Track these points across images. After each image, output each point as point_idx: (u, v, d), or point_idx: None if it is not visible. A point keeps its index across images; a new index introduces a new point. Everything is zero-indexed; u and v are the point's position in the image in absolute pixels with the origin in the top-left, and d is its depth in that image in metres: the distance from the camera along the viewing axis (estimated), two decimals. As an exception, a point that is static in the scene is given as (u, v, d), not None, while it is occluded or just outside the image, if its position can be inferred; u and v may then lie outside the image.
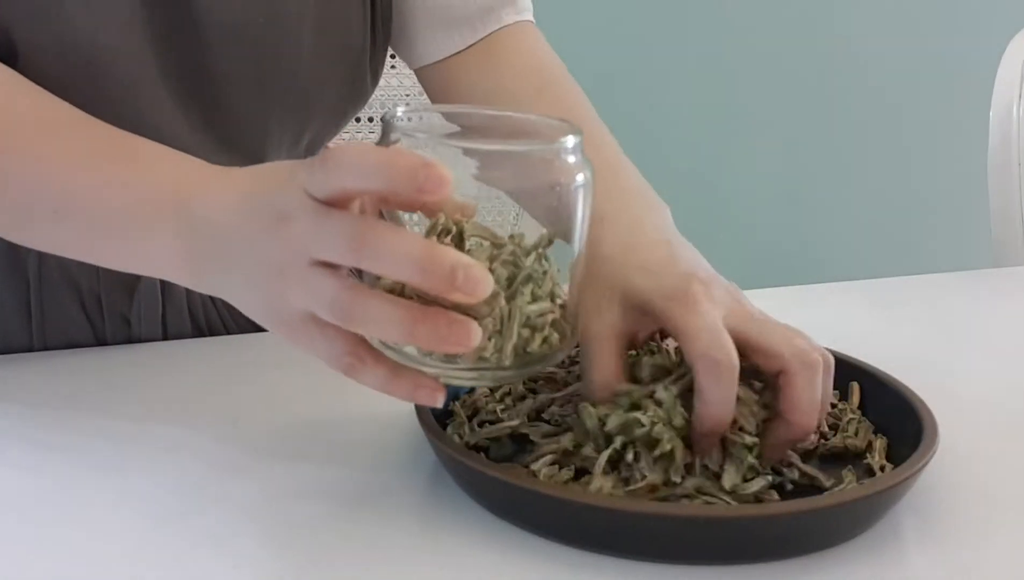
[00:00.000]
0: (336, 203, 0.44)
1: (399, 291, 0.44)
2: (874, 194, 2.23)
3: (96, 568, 0.45)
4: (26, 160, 0.55)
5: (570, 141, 0.46)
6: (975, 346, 0.77)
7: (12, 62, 0.60)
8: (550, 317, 0.46)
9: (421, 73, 0.76)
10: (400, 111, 0.48)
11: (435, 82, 0.75)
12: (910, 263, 2.15)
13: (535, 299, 0.46)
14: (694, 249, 0.57)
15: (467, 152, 0.44)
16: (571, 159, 0.47)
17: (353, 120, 0.98)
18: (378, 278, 0.45)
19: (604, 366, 0.53)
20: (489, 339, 0.44)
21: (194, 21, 0.65)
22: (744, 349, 0.50)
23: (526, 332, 0.45)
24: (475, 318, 0.43)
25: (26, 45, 0.61)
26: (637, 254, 0.54)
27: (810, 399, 0.50)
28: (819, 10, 2.10)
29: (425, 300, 0.43)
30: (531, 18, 0.75)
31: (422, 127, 0.48)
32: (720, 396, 0.48)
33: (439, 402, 0.46)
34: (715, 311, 0.50)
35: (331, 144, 0.45)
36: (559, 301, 0.47)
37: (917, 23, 2.15)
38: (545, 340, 0.46)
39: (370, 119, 1.12)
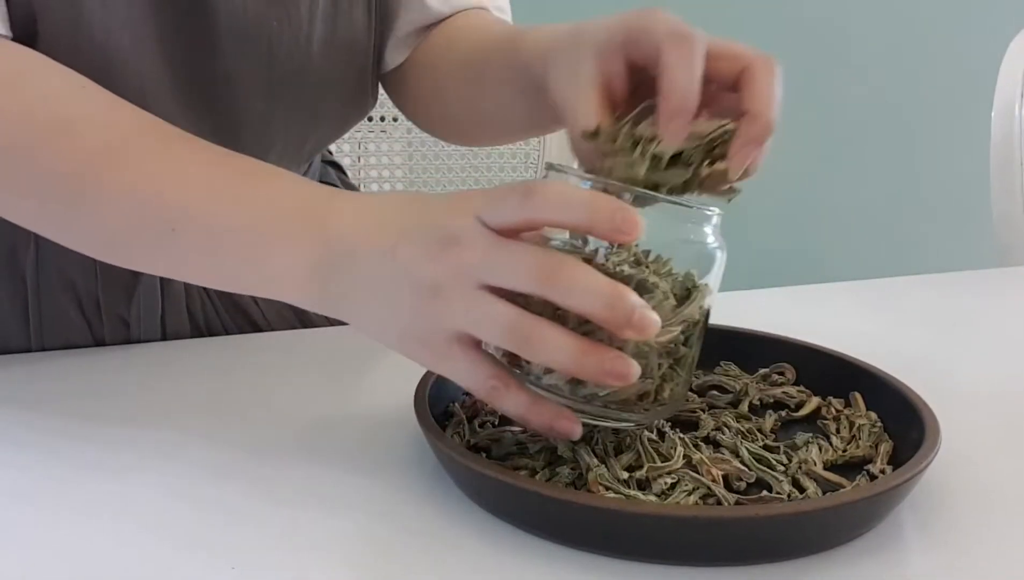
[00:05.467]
0: (509, 233, 0.46)
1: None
2: (876, 194, 2.23)
3: (93, 570, 0.44)
4: (136, 177, 0.54)
5: (714, 210, 0.50)
6: (977, 346, 0.76)
7: None
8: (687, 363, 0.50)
9: (386, 79, 0.79)
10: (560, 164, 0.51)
11: (396, 79, 0.79)
12: (911, 263, 2.15)
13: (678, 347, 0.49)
14: None
15: (637, 199, 0.48)
16: (715, 223, 0.50)
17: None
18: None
19: (586, 100, 0.54)
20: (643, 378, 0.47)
21: (207, 22, 0.65)
22: (708, 55, 0.52)
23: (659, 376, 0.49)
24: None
25: (43, 41, 0.61)
26: (589, 23, 0.57)
27: (773, 92, 0.52)
28: (820, 9, 2.10)
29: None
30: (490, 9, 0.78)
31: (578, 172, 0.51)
32: (684, 73, 0.50)
33: (577, 434, 0.48)
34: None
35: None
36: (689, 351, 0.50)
37: (919, 22, 2.15)
38: (673, 386, 0.50)
39: (381, 118, 1.12)
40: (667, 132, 0.50)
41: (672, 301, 0.48)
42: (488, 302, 0.46)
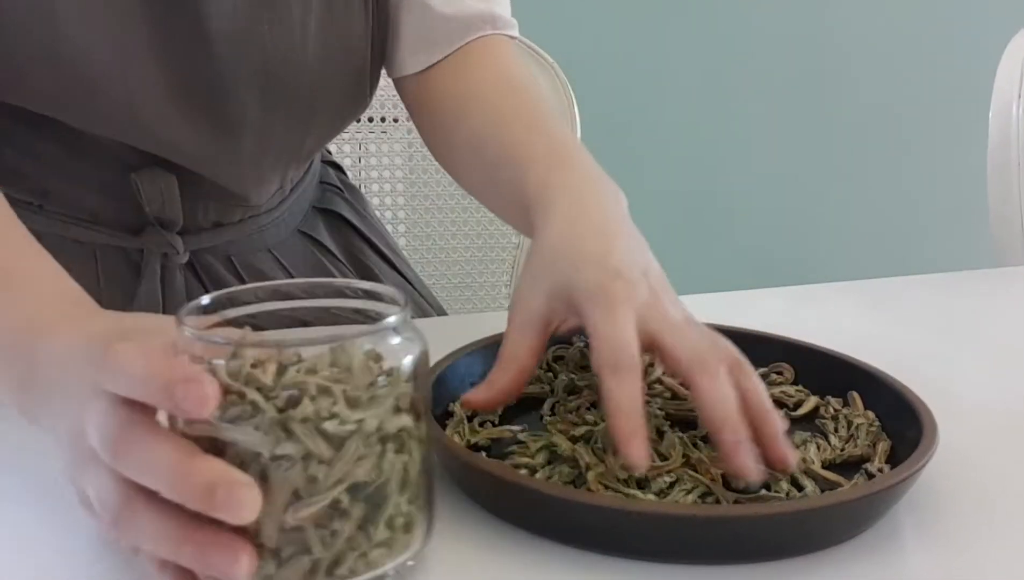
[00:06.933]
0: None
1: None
2: (874, 194, 2.23)
3: (92, 569, 0.45)
4: None
5: (392, 321, 0.40)
6: (975, 346, 0.77)
7: (3, 78, 0.59)
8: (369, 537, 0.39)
9: (398, 82, 0.78)
10: (193, 307, 0.41)
11: (410, 90, 0.77)
12: (910, 263, 2.15)
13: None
14: (639, 240, 0.56)
15: (276, 349, 0.38)
16: (395, 340, 0.40)
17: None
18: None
19: (516, 344, 0.52)
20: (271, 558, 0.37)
21: (199, 31, 0.65)
22: (654, 352, 0.50)
23: (320, 552, 0.38)
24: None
25: (17, 60, 0.60)
26: (573, 247, 0.54)
27: (714, 402, 0.48)
28: (817, 9, 2.10)
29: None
30: (512, 34, 0.77)
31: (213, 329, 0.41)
32: (623, 397, 0.47)
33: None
34: (629, 314, 0.49)
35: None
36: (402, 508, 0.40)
37: (916, 22, 2.15)
38: (364, 560, 0.39)
39: (382, 119, 1.12)
40: (628, 456, 0.46)
41: (324, 450, 0.36)
42: (95, 475, 0.39)
